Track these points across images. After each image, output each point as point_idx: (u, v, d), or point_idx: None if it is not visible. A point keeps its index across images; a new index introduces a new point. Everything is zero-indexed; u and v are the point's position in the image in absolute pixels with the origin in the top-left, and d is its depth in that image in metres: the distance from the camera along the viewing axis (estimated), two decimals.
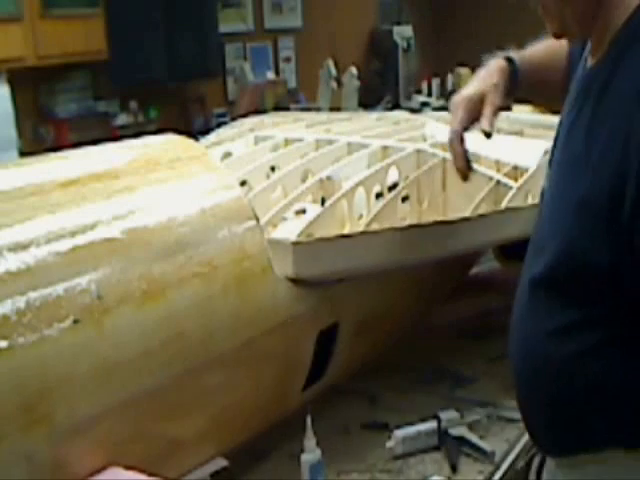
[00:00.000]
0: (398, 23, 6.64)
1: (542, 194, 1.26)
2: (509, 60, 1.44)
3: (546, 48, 1.49)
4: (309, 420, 1.50)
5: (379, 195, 1.84)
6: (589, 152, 1.05)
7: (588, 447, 1.12)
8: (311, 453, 1.50)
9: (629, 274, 1.01)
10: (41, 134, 4.01)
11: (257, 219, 1.50)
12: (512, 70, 1.44)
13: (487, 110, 1.38)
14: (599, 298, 1.06)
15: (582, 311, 1.08)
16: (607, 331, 1.06)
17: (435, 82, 6.85)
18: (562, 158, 1.15)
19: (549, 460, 1.25)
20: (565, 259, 1.08)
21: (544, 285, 1.13)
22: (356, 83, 5.46)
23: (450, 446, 1.64)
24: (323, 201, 1.74)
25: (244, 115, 3.06)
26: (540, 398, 1.17)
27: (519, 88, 1.45)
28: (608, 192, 1.00)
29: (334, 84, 5.37)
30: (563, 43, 1.39)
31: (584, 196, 1.04)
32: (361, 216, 1.77)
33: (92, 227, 1.26)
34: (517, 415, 1.75)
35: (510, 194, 1.79)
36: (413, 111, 4.02)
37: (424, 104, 6.35)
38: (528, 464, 1.57)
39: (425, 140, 2.07)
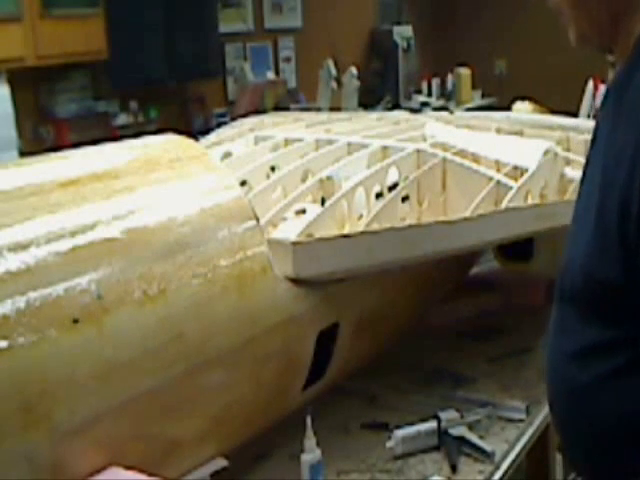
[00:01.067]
0: (398, 23, 6.64)
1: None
2: None
3: None
4: (309, 420, 1.50)
5: (379, 195, 1.84)
6: (605, 165, 1.03)
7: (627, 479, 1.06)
8: (311, 453, 1.50)
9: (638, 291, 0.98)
10: (41, 134, 4.02)
11: (257, 219, 1.50)
12: None
13: None
14: (621, 318, 1.02)
15: (606, 332, 1.04)
16: (632, 354, 1.02)
17: (435, 82, 6.86)
18: (587, 173, 1.13)
19: None
20: (584, 276, 1.05)
21: (570, 302, 1.10)
22: (356, 83, 5.46)
23: (450, 446, 1.64)
24: (323, 201, 1.74)
25: (244, 115, 3.06)
26: (572, 423, 1.12)
27: None
28: (618, 208, 0.98)
29: (334, 84, 5.37)
30: None
31: (598, 212, 1.02)
32: (361, 216, 1.77)
33: (92, 227, 1.26)
34: (517, 415, 1.76)
35: (510, 194, 1.79)
36: (413, 111, 4.03)
37: (424, 104, 6.35)
38: None
39: (425, 140, 2.07)
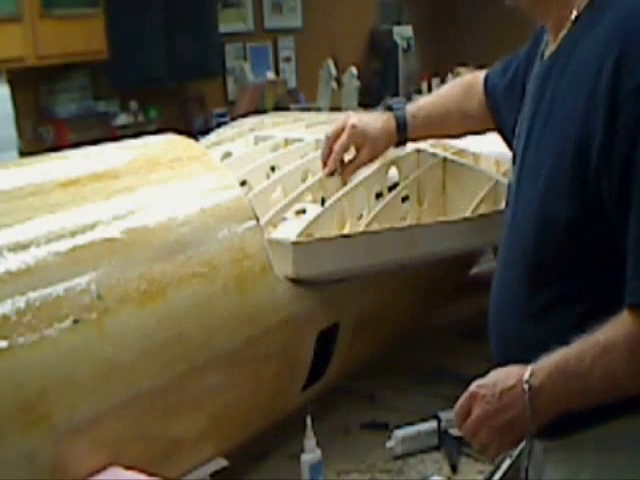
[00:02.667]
0: (398, 23, 6.64)
1: (509, 188, 1.29)
2: (396, 117, 1.59)
3: (460, 90, 1.61)
4: (309, 420, 1.50)
5: (379, 195, 1.84)
6: (555, 118, 1.11)
7: (575, 428, 1.13)
8: (311, 453, 1.50)
9: (594, 228, 1.05)
10: (41, 134, 4.01)
11: (257, 219, 1.50)
12: (398, 124, 1.59)
13: (354, 163, 1.60)
14: (576, 270, 1.08)
15: (556, 289, 1.11)
16: (583, 307, 1.09)
17: (435, 82, 6.85)
18: (526, 149, 1.19)
19: (536, 450, 1.26)
20: (537, 227, 1.11)
21: (521, 266, 1.15)
22: (356, 83, 5.46)
23: (450, 446, 1.64)
24: (323, 201, 1.74)
25: (244, 115, 3.05)
26: None
27: (411, 135, 1.61)
28: (573, 148, 1.05)
29: (334, 84, 5.37)
30: (476, 79, 1.57)
31: (552, 161, 1.09)
32: (361, 216, 1.77)
33: (92, 227, 1.26)
34: None
35: None
36: None
37: None
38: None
39: None
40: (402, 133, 1.60)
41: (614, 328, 1.04)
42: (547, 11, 1.17)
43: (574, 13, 1.13)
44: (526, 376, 1.08)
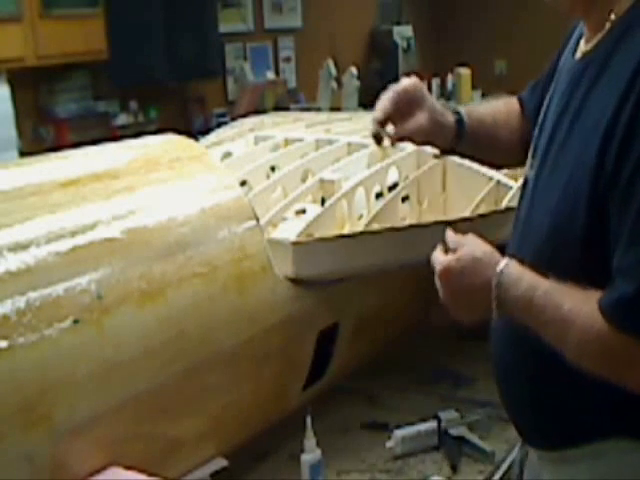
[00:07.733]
0: (398, 23, 6.63)
1: (524, 183, 1.26)
2: (456, 112, 1.39)
3: (502, 105, 1.48)
4: (309, 420, 1.50)
5: (379, 195, 1.84)
6: (583, 124, 1.07)
7: (590, 439, 1.12)
8: (311, 453, 1.50)
9: (603, 239, 1.02)
10: (41, 134, 4.01)
11: (257, 219, 1.50)
12: (458, 119, 1.38)
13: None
14: (585, 276, 1.05)
15: None
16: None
17: (435, 82, 6.85)
18: (551, 145, 1.16)
19: (531, 455, 1.26)
20: (551, 236, 1.09)
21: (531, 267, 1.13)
22: (356, 83, 5.45)
23: (450, 446, 1.64)
24: (323, 201, 1.74)
25: (244, 115, 3.06)
26: (532, 392, 1.17)
27: (465, 139, 1.39)
28: (595, 154, 1.02)
29: (334, 84, 5.36)
30: (510, 99, 1.47)
31: (572, 169, 1.06)
32: (361, 216, 1.77)
33: (92, 227, 1.26)
34: None
35: (510, 194, 1.79)
36: None
37: None
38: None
39: None
40: (460, 126, 1.37)
41: (578, 307, 1.02)
42: (587, 10, 1.13)
43: (612, 16, 1.09)
44: (500, 266, 1.12)
